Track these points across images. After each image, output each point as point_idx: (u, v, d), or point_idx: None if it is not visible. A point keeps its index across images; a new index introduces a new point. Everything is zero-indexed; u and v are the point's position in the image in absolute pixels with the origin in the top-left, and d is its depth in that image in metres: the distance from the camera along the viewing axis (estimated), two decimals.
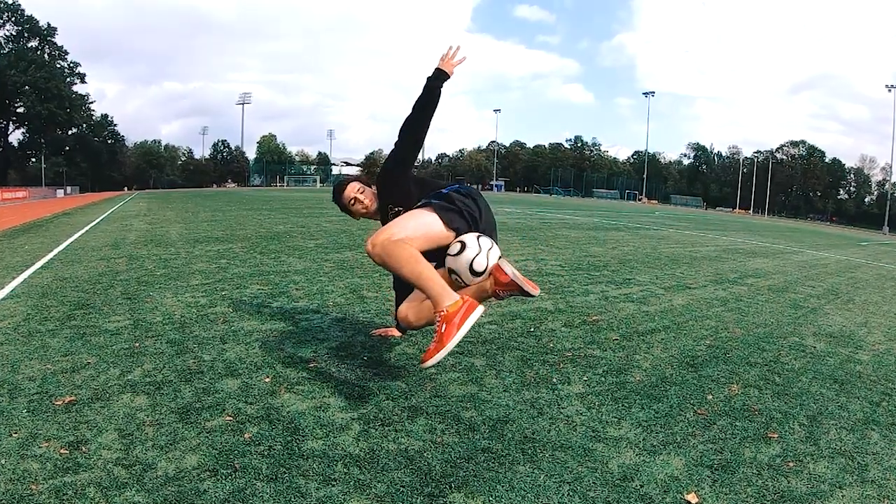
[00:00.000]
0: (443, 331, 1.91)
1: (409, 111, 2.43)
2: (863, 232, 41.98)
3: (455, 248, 2.21)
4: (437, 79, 2.44)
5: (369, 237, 2.16)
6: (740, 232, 17.50)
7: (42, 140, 56.70)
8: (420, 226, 2.20)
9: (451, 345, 1.89)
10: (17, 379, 2.26)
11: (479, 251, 2.17)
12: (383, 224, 2.58)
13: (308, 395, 2.20)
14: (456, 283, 2.22)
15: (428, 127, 2.48)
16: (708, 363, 2.91)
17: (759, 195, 73.59)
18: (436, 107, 2.45)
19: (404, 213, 2.37)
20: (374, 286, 4.35)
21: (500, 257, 2.23)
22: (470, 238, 2.22)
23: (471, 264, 2.17)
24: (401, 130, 2.46)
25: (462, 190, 2.43)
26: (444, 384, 2.38)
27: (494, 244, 2.27)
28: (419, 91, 2.43)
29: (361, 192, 2.61)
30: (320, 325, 3.22)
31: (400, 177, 2.51)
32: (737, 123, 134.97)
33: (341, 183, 2.69)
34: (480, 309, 1.98)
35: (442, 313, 1.94)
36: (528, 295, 2.12)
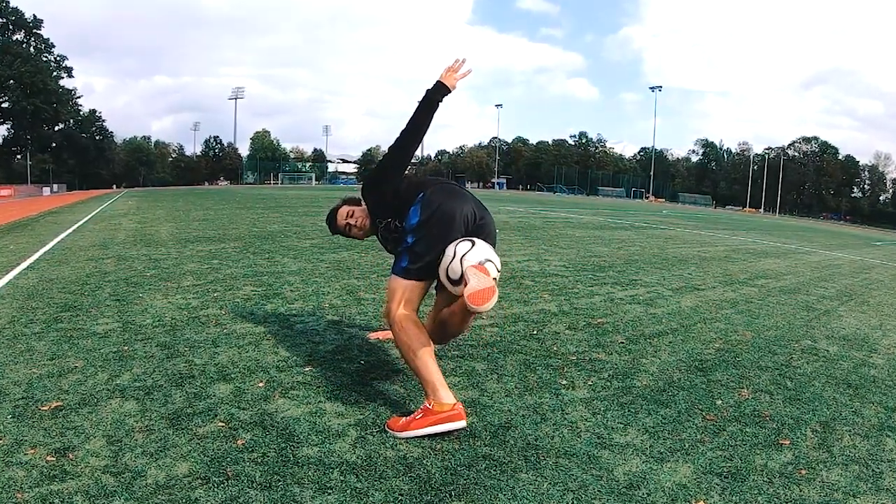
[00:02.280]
0: (418, 418, 1.97)
1: (404, 126, 2.37)
2: (877, 231, 41.98)
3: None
4: (437, 92, 2.35)
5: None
6: (750, 231, 17.49)
7: (28, 136, 56.68)
8: (402, 292, 2.20)
9: (416, 433, 1.93)
10: (1, 383, 2.26)
11: (452, 258, 2.12)
12: (381, 238, 2.60)
13: (303, 400, 2.20)
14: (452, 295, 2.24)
15: (419, 143, 2.47)
16: (717, 367, 2.91)
17: (770, 193, 73.62)
18: (429, 122, 2.38)
19: (392, 224, 2.43)
20: (372, 287, 4.35)
21: (482, 261, 2.10)
22: (449, 247, 2.16)
23: (447, 273, 2.14)
24: (392, 146, 2.42)
25: (430, 201, 2.27)
26: None
27: (477, 245, 2.16)
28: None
29: (352, 217, 2.62)
30: (316, 327, 3.22)
31: (385, 189, 2.43)
32: (747, 119, 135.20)
33: (331, 213, 2.73)
34: (461, 423, 1.96)
35: (429, 407, 1.97)
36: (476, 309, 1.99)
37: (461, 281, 2.08)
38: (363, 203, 2.61)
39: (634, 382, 2.59)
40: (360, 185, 2.62)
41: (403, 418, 1.99)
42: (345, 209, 2.66)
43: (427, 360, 2.06)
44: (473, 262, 2.08)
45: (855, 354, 3.41)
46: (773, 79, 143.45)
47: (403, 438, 1.93)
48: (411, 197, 2.31)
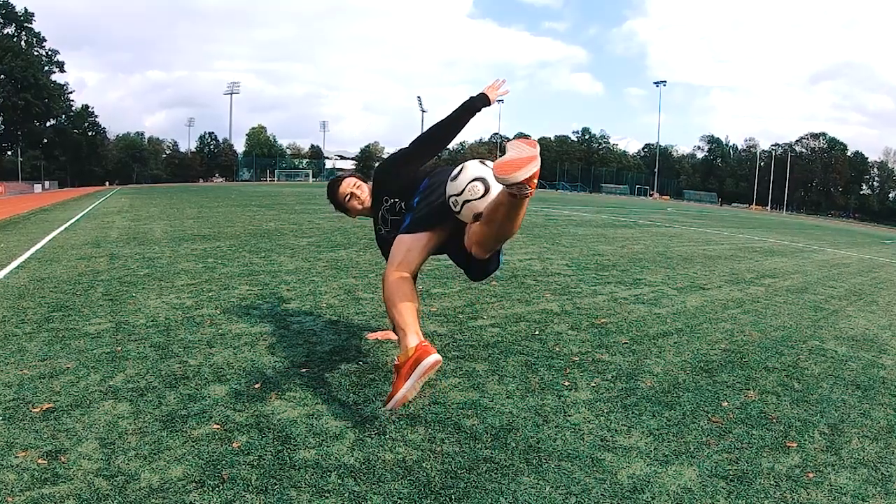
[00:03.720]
0: (393, 381, 2.00)
1: (439, 119, 2.57)
2: (887, 229, 41.97)
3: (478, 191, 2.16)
4: (480, 101, 2.60)
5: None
6: (757, 229, 17.50)
7: (18, 132, 56.67)
8: (403, 253, 2.28)
9: (400, 395, 1.95)
10: None
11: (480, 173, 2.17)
12: (375, 220, 2.66)
13: (300, 402, 2.20)
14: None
15: (450, 139, 2.61)
16: (723, 368, 2.91)
17: (778, 190, 73.60)
18: (464, 124, 2.60)
19: (398, 206, 2.51)
20: (370, 287, 4.35)
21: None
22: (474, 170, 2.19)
23: (469, 179, 2.16)
24: (424, 135, 2.58)
25: (434, 182, 2.44)
26: (443, 391, 2.38)
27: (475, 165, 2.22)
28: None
29: (358, 188, 2.64)
30: (313, 327, 3.22)
31: (402, 170, 2.56)
32: (754, 115, 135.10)
33: (337, 178, 2.72)
34: (433, 358, 1.94)
35: (397, 363, 2.01)
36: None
37: (486, 185, 2.11)
38: (369, 183, 2.70)
39: (638, 384, 2.59)
40: (381, 163, 2.71)
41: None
42: (352, 179, 2.69)
43: (404, 309, 2.10)
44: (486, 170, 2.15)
45: (864, 355, 3.41)
46: (781, 73, 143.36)
47: (395, 409, 2.00)
48: (419, 183, 2.46)
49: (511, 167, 1.76)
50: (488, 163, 2.15)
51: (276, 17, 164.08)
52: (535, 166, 1.77)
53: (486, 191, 2.11)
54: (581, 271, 5.71)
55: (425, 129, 2.58)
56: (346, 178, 2.69)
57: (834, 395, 2.66)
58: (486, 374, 2.59)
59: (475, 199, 2.12)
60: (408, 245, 2.29)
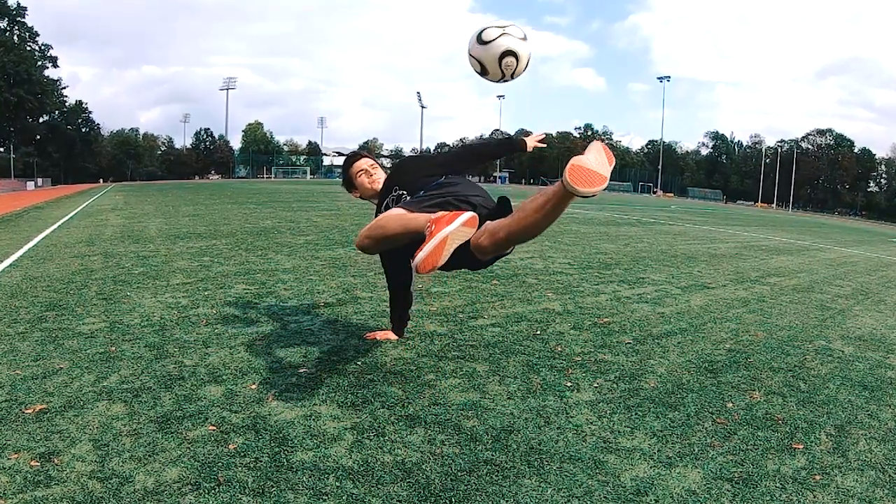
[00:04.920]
0: (432, 229, 1.97)
1: (475, 143, 2.66)
2: (895, 227, 41.96)
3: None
4: (518, 145, 2.75)
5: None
6: (762, 227, 17.49)
7: (11, 128, 56.58)
8: (393, 216, 2.24)
9: (432, 245, 1.90)
10: None
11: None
12: (378, 209, 2.71)
13: (297, 403, 2.20)
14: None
15: (476, 164, 2.80)
16: (728, 368, 2.91)
17: (783, 187, 73.60)
18: (495, 156, 2.87)
19: (405, 198, 2.53)
20: (369, 286, 4.35)
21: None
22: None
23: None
24: (456, 151, 2.73)
25: (443, 182, 2.53)
26: (443, 391, 2.38)
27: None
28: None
29: (373, 168, 2.79)
30: (310, 327, 3.22)
31: (424, 170, 2.62)
32: (759, 111, 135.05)
33: (356, 153, 2.88)
34: (468, 214, 1.99)
35: (430, 227, 1.97)
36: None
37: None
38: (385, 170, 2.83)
39: (642, 384, 2.59)
40: (407, 157, 2.82)
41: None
42: (370, 160, 2.82)
43: (406, 220, 2.12)
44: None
45: (871, 355, 3.41)
46: (787, 68, 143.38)
47: (427, 268, 1.90)
48: (431, 182, 2.53)
49: (588, 181, 1.73)
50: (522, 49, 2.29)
51: (273, 11, 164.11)
52: (604, 186, 1.77)
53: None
54: (583, 270, 5.71)
55: (459, 146, 2.68)
56: (365, 156, 2.85)
57: (841, 395, 2.66)
58: (486, 375, 2.59)
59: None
60: (396, 213, 2.22)
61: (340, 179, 2.95)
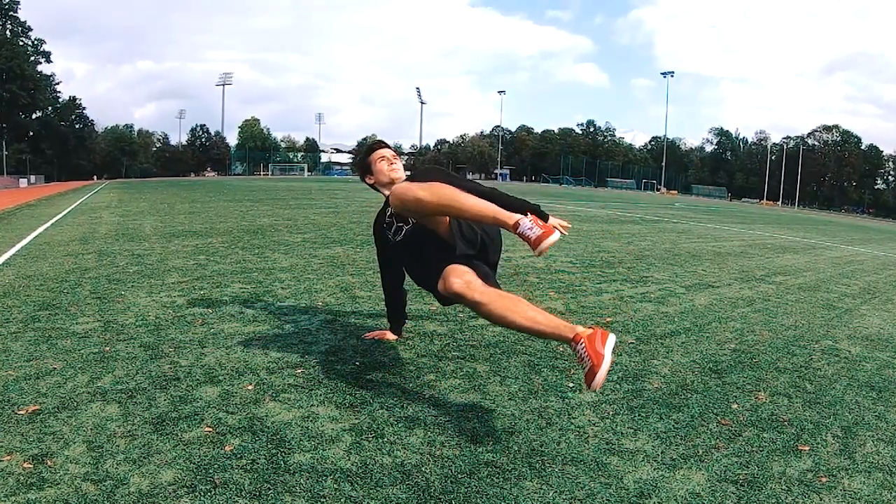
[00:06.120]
0: (585, 353, 1.89)
1: (503, 194, 2.50)
2: None
3: None
4: (534, 208, 2.56)
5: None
6: (768, 225, 17.49)
7: (3, 125, 56.59)
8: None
9: (604, 366, 1.86)
10: None
11: None
12: (384, 209, 2.74)
13: (295, 403, 2.20)
14: None
15: (469, 215, 2.45)
16: (732, 369, 2.91)
17: (789, 185, 73.60)
18: (497, 211, 2.46)
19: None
20: (367, 285, 4.35)
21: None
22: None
23: None
24: (477, 186, 2.50)
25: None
26: (443, 392, 2.38)
27: None
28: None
29: (395, 158, 2.82)
30: (308, 327, 3.22)
31: (443, 181, 2.41)
32: (764, 107, 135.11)
33: (380, 141, 2.92)
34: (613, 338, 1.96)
35: (578, 340, 1.92)
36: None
37: None
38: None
39: (645, 385, 2.59)
40: (442, 168, 2.81)
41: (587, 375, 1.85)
42: (393, 152, 2.86)
43: (526, 313, 2.02)
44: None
45: (879, 355, 3.41)
46: (793, 64, 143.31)
47: (600, 383, 1.86)
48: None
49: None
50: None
51: (271, 5, 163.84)
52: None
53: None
54: (586, 269, 5.71)
55: (490, 187, 2.52)
56: (389, 147, 2.89)
57: (847, 396, 2.66)
58: (487, 375, 2.58)
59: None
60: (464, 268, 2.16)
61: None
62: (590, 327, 1.96)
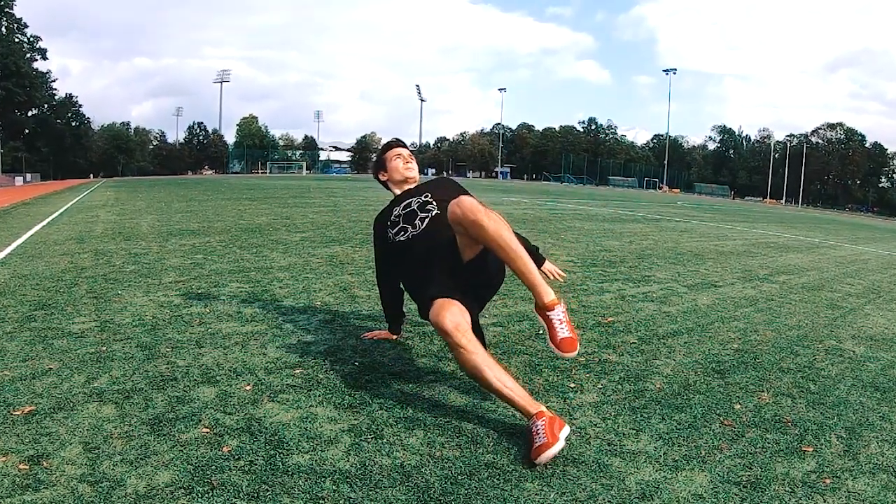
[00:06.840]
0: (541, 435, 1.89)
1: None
2: None
3: None
4: (540, 257, 2.78)
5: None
6: (771, 224, 17.49)
7: None
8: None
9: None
10: None
11: None
12: (400, 200, 2.74)
13: (293, 404, 2.20)
14: None
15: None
16: (735, 369, 2.91)
17: (792, 183, 73.62)
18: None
19: (427, 206, 2.55)
20: (366, 284, 4.35)
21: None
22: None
23: None
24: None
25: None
26: (443, 393, 2.38)
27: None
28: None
29: (411, 158, 2.88)
30: (307, 326, 3.22)
31: (458, 194, 2.33)
32: (768, 104, 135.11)
33: (398, 140, 2.98)
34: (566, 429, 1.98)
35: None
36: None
37: None
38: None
39: (647, 385, 2.59)
40: (455, 180, 2.91)
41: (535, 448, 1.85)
42: (410, 152, 2.91)
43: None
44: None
45: (883, 356, 3.41)
46: (796, 61, 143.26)
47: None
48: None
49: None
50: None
51: (269, 2, 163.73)
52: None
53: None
54: (587, 268, 5.71)
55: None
56: (406, 146, 2.94)
57: (851, 397, 2.66)
58: None
59: None
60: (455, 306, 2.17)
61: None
62: (552, 413, 2.00)
